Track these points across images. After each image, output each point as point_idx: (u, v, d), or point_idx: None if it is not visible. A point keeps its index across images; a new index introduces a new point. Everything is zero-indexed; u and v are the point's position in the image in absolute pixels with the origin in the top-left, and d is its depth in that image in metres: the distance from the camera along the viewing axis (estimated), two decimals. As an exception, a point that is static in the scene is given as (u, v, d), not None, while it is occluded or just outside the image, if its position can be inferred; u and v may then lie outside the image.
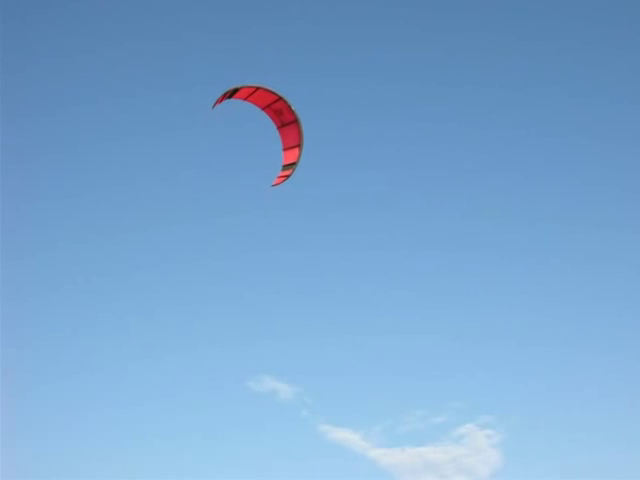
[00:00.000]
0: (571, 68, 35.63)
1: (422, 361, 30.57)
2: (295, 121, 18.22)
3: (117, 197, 32.95)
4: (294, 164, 18.28)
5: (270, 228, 31.62)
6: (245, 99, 18.19)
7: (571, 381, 29.97)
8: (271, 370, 29.62)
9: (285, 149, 18.60)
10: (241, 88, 17.77)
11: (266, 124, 18.63)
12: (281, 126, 18.56)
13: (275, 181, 18.43)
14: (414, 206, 34.20)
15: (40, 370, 28.60)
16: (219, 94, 17.60)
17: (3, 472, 23.97)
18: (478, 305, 32.05)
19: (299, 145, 18.26)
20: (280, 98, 18.01)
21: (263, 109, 18.44)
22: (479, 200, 34.23)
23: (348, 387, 29.77)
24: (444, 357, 30.62)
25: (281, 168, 18.51)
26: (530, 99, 35.54)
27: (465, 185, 34.52)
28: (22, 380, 27.74)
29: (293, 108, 18.07)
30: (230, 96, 17.82)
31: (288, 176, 18.33)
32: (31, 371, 28.37)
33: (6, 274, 27.88)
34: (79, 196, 32.69)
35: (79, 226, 32.06)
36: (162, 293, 31.19)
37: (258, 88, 17.88)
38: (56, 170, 32.82)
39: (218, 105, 17.77)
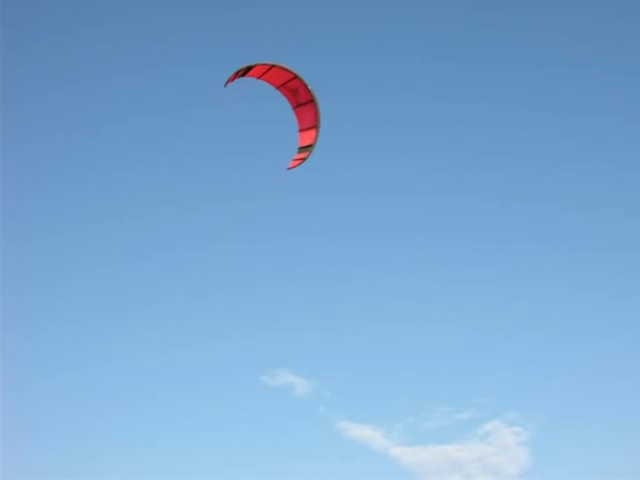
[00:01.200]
0: (603, 45, 35.44)
1: (446, 354, 30.53)
2: (312, 101, 18.14)
3: (123, 182, 33.13)
4: (310, 146, 18.20)
5: (285, 214, 31.67)
6: (259, 77, 18.11)
7: (603, 375, 29.88)
8: (287, 363, 29.69)
9: (301, 130, 18.53)
10: (254, 66, 17.70)
11: (281, 104, 18.60)
12: (297, 106, 18.49)
13: (290, 164, 18.36)
14: (437, 191, 34.17)
15: (48, 364, 28.82)
16: (231, 72, 17.55)
17: (4, 471, 24.18)
18: (505, 296, 31.96)
19: (316, 126, 18.18)
20: (296, 76, 17.93)
21: (278, 88, 18.37)
22: (504, 185, 34.12)
23: (368, 381, 29.77)
24: (469, 350, 30.61)
25: (297, 151, 18.46)
26: (558, 78, 35.35)
27: (489, 169, 34.43)
28: (29, 374, 28.04)
29: (310, 87, 17.98)
30: (243, 74, 17.75)
31: (304, 159, 18.25)
32: (39, 364, 28.65)
33: (7, 266, 28.10)
34: (84, 181, 32.90)
35: (85, 213, 32.26)
36: (171, 283, 31.27)
37: (273, 66, 17.80)
38: (61, 154, 32.97)
39: (230, 84, 17.70)
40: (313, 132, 18.23)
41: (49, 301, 30.33)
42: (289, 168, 18.38)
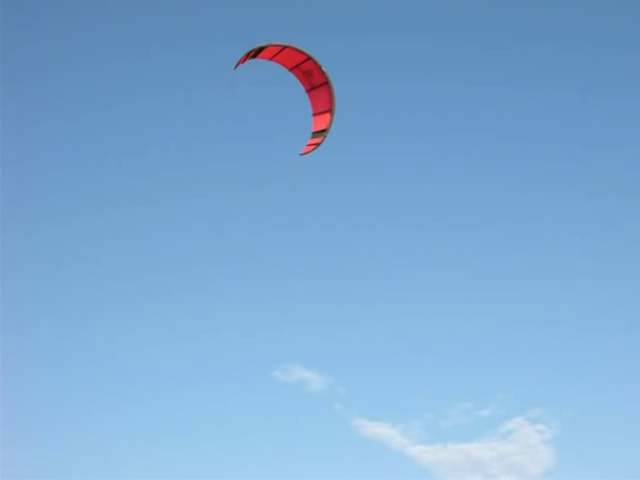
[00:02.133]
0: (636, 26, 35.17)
1: (467, 348, 30.46)
2: (326, 83, 18.06)
3: (129, 169, 33.13)
4: (325, 131, 18.13)
5: (298, 203, 31.57)
6: (270, 59, 18.04)
7: (633, 370, 29.64)
8: (300, 358, 29.66)
9: (315, 114, 18.46)
10: (266, 47, 17.62)
11: (294, 87, 18.53)
12: (310, 89, 18.42)
13: (304, 150, 18.31)
14: (459, 178, 34.04)
15: (51, 358, 28.95)
16: (241, 53, 17.47)
17: (4, 470, 24.28)
18: (529, 287, 31.84)
19: (330, 110, 18.10)
20: (309, 58, 17.85)
21: (290, 70, 18.30)
22: (531, 170, 33.99)
23: (385, 377, 29.73)
24: (491, 344, 30.53)
25: (310, 135, 18.40)
26: (586, 60, 35.14)
27: (515, 154, 34.23)
28: (31, 371, 28.12)
29: (324, 69, 17.89)
30: (254, 56, 17.68)
31: (318, 144, 18.19)
32: (42, 359, 28.76)
33: (6, 258, 28.17)
34: (90, 165, 32.91)
35: (90, 202, 32.21)
36: (179, 274, 31.27)
37: (285, 46, 17.72)
38: (66, 139, 32.92)
39: (241, 66, 17.62)
40: (327, 116, 18.16)
41: (52, 292, 30.45)
42: (302, 154, 18.33)
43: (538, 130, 34.44)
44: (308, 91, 18.48)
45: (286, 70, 18.34)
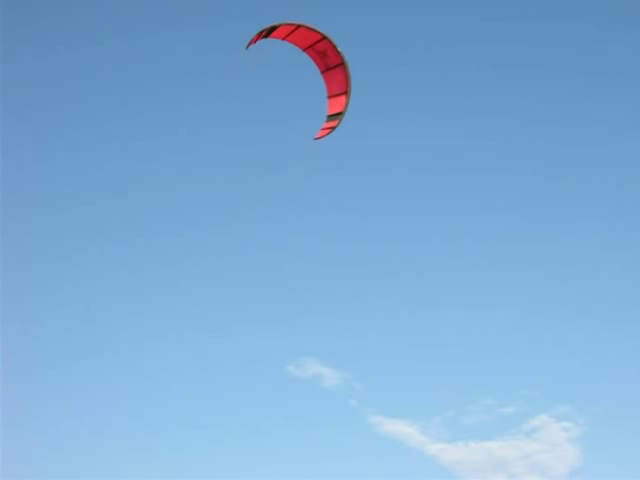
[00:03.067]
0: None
1: (490, 342, 30.42)
2: (341, 64, 18.01)
3: (137, 152, 33.14)
4: (340, 114, 18.08)
5: (313, 189, 31.59)
6: (284, 39, 18.01)
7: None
8: (315, 352, 29.68)
9: (330, 97, 18.43)
10: (279, 26, 17.59)
11: (308, 68, 18.49)
12: (325, 70, 18.38)
13: (319, 133, 18.27)
14: (481, 162, 33.91)
15: (55, 353, 29.05)
16: (254, 33, 17.44)
17: (6, 469, 24.41)
18: (557, 278, 31.75)
19: (346, 92, 18.06)
20: (324, 37, 17.79)
21: (304, 50, 18.26)
22: (558, 155, 33.77)
23: (404, 372, 29.73)
24: (516, 337, 30.48)
25: (325, 119, 18.36)
26: (615, 41, 34.97)
27: (541, 138, 34.03)
28: (32, 367, 28.24)
29: (339, 49, 17.83)
30: (266, 35, 17.65)
31: (333, 128, 18.15)
32: (44, 354, 28.85)
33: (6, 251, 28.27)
34: (95, 150, 32.93)
35: (95, 185, 32.34)
36: (190, 264, 31.33)
37: (299, 26, 17.67)
38: (69, 121, 33.06)
39: (253, 45, 17.61)
40: (343, 98, 18.13)
41: (54, 284, 30.52)
42: (317, 138, 18.30)
43: (566, 114, 34.34)
44: (323, 72, 18.46)
45: (300, 50, 18.30)
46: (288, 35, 17.97)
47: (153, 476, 26.15)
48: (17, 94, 30.94)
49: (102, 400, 27.98)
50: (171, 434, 27.84)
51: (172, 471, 26.42)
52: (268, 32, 17.65)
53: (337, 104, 18.20)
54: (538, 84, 34.43)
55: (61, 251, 30.82)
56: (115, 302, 30.44)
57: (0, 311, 26.82)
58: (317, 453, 27.74)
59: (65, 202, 31.79)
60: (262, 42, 17.71)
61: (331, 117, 18.28)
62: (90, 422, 27.50)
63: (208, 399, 28.80)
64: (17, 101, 31.01)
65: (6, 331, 26.80)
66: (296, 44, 18.21)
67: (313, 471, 26.89)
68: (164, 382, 29.05)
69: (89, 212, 31.61)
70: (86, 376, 28.49)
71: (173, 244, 31.59)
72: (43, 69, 32.96)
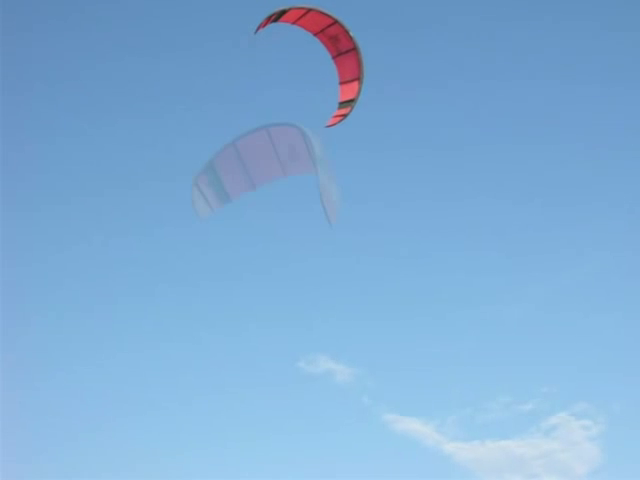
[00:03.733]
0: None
1: (507, 337, 30.35)
2: (354, 49, 17.94)
3: (139, 140, 33.07)
4: (352, 101, 18.03)
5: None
6: (294, 23, 17.95)
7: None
8: (326, 348, 29.65)
9: (342, 83, 18.36)
10: (289, 10, 17.53)
11: (319, 53, 18.41)
12: (337, 55, 18.30)
13: (330, 121, 18.18)
14: (497, 148, 33.67)
15: (55, 352, 29.05)
16: (263, 17, 17.42)
17: (6, 469, 24.48)
18: (575, 269, 31.52)
19: (359, 78, 18.01)
20: (336, 21, 17.73)
21: (315, 35, 18.19)
22: (578, 140, 33.51)
23: (418, 368, 29.62)
24: (534, 332, 30.37)
25: (337, 106, 18.30)
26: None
27: (561, 124, 33.83)
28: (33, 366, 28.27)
29: (352, 34, 17.77)
30: (276, 19, 17.60)
31: (345, 115, 18.08)
32: (44, 354, 28.85)
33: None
34: (96, 138, 32.86)
35: (96, 175, 32.26)
36: (197, 258, 31.21)
37: (309, 9, 17.59)
38: (70, 108, 33.02)
39: (262, 30, 17.57)
40: (355, 85, 18.08)
41: (53, 279, 30.42)
42: (328, 125, 18.20)
43: (585, 98, 34.14)
44: (334, 58, 18.38)
45: (311, 35, 18.25)
46: (298, 19, 17.92)
47: (157, 476, 26.25)
48: (20, 84, 31.08)
49: (106, 400, 28.01)
50: (180, 432, 27.84)
51: (181, 470, 26.52)
52: (278, 16, 17.60)
53: (349, 90, 18.15)
54: (555, 70, 34.35)
55: (64, 244, 30.79)
56: (121, 298, 30.41)
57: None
58: (328, 451, 27.74)
59: (65, 194, 31.86)
60: (272, 26, 17.67)
61: (343, 104, 18.21)
62: (98, 422, 27.60)
63: (217, 395, 28.79)
64: (19, 93, 31.12)
65: (6, 326, 26.92)
66: (307, 28, 18.15)
67: (325, 469, 26.86)
68: (172, 379, 28.96)
69: (90, 204, 31.56)
70: (90, 374, 28.53)
71: (179, 237, 31.43)
72: (40, 54, 33.10)
